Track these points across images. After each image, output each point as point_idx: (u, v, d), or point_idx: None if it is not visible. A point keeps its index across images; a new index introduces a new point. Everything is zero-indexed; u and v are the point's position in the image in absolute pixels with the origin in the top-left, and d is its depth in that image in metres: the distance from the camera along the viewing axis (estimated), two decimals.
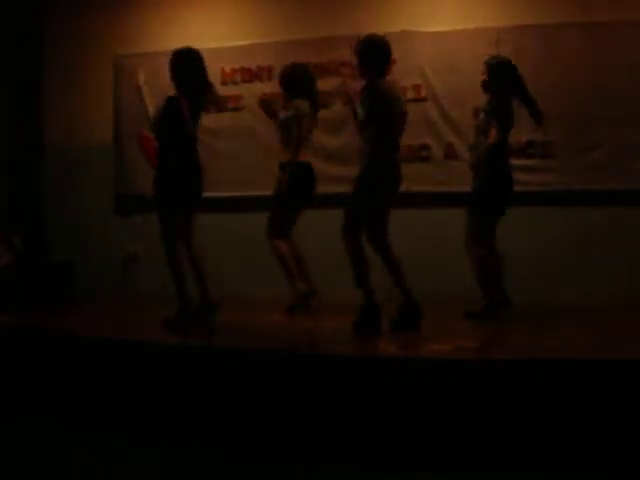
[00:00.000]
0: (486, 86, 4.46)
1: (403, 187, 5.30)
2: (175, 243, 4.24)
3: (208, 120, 5.00)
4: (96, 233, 6.22)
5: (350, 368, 3.26)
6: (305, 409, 3.25)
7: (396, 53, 5.43)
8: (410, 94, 5.49)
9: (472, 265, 4.38)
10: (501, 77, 4.39)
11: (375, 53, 3.99)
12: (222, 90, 5.61)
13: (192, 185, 4.22)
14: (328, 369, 3.29)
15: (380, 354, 3.57)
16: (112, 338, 3.90)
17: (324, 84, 5.22)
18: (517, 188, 4.87)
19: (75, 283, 5.97)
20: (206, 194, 4.27)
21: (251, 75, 5.90)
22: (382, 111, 3.85)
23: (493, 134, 4.25)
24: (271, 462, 3.12)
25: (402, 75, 5.49)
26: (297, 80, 4.80)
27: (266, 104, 5.17)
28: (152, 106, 6.03)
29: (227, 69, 5.90)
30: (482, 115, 4.46)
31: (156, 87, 6.01)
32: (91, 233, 6.22)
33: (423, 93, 5.51)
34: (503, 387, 3.09)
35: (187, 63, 4.22)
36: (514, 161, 5.16)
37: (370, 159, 3.88)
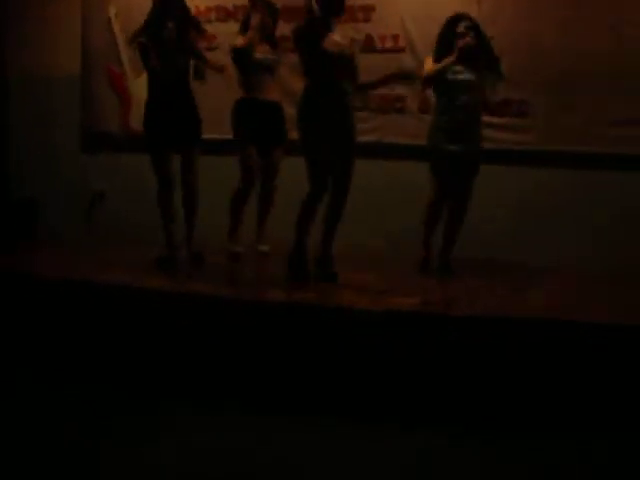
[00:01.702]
0: (475, 50, 4.38)
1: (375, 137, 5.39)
2: (164, 184, 4.34)
3: None
4: (62, 170, 6.06)
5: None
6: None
7: (376, 1, 5.43)
8: (388, 43, 5.43)
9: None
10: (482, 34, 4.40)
11: None
12: None
13: (168, 126, 4.26)
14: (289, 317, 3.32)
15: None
16: (75, 279, 3.86)
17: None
18: (491, 146, 4.92)
19: (39, 221, 5.86)
20: None
21: (227, 14, 5.73)
22: None
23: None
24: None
25: (381, 24, 5.44)
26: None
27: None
28: (122, 41, 5.88)
29: (202, 7, 5.72)
30: (468, 73, 4.40)
31: (127, 21, 5.82)
32: (57, 169, 6.06)
33: (401, 43, 5.42)
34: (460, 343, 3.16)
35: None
36: (488, 118, 5.22)
37: None
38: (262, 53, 4.63)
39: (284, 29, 4.83)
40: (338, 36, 3.95)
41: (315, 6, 3.87)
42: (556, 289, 4.24)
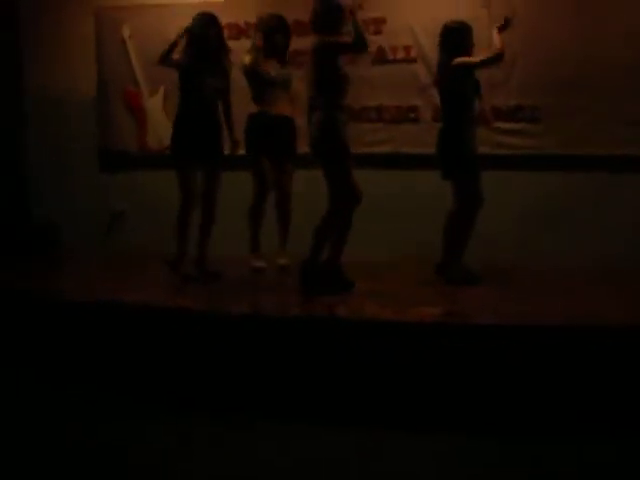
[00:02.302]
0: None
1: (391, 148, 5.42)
2: (186, 200, 4.45)
3: None
4: (80, 190, 6.12)
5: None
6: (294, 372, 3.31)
7: (387, 13, 5.47)
8: (400, 54, 5.47)
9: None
10: None
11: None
12: None
13: (193, 142, 4.42)
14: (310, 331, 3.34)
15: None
16: (94, 300, 3.90)
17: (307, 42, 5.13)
18: (504, 151, 4.93)
19: (58, 242, 5.93)
20: None
21: (239, 31, 5.79)
22: None
23: None
24: None
25: (392, 35, 5.48)
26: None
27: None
28: (137, 61, 5.96)
29: None
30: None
31: (141, 42, 5.92)
32: (75, 190, 6.13)
33: (413, 54, 5.45)
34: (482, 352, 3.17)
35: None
36: (502, 124, 5.24)
37: None
38: (272, 69, 4.75)
39: (297, 43, 4.93)
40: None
41: None
42: (566, 294, 4.22)
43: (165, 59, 4.52)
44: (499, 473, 2.79)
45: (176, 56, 4.49)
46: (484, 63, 4.35)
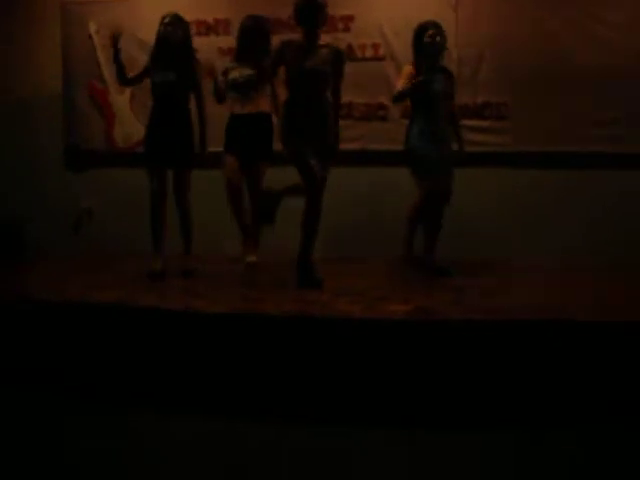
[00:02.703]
0: (442, 48, 4.56)
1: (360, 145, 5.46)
2: (155, 199, 4.46)
3: None
4: (47, 188, 6.04)
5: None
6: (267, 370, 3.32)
7: (356, 11, 5.50)
8: (368, 52, 5.50)
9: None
10: None
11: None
12: None
13: (157, 142, 4.46)
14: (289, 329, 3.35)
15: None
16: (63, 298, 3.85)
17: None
18: (472, 148, 4.99)
19: (26, 240, 5.83)
20: None
21: (207, 28, 5.77)
22: None
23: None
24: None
25: (361, 33, 5.51)
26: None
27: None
28: (104, 57, 5.90)
29: None
30: (441, 80, 4.52)
31: (107, 37, 5.82)
32: (42, 188, 6.04)
33: (381, 52, 5.49)
34: (457, 347, 3.21)
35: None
36: (469, 122, 5.30)
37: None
38: (239, 70, 4.75)
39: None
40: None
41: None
42: (540, 287, 4.30)
43: (124, 81, 4.62)
44: (473, 468, 2.83)
45: (131, 73, 4.57)
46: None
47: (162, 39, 4.52)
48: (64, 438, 3.10)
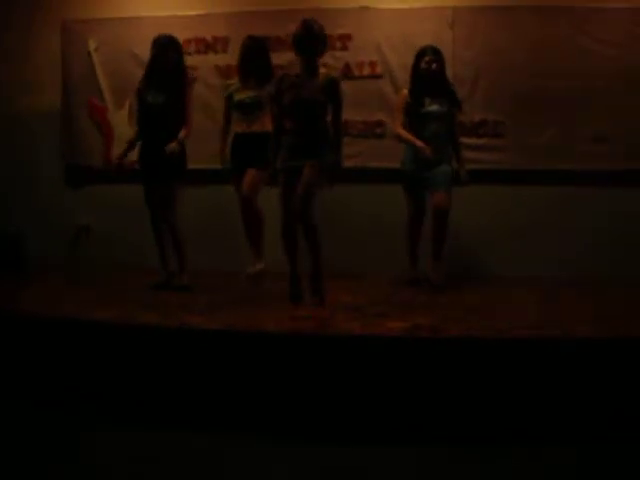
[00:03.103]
0: (439, 73, 4.71)
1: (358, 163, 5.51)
2: (152, 214, 4.72)
3: None
4: (46, 203, 6.04)
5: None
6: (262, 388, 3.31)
7: (353, 30, 5.54)
8: (366, 70, 5.53)
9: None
10: None
11: None
12: None
13: (145, 160, 4.69)
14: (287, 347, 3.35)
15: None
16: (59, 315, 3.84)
17: (280, 58, 5.18)
18: (469, 166, 5.02)
19: (23, 255, 5.83)
20: None
21: (206, 46, 5.80)
22: None
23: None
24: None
25: (358, 52, 5.55)
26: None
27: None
28: (103, 74, 5.93)
29: (181, 39, 5.74)
30: (434, 103, 4.71)
31: (107, 54, 5.90)
32: (40, 203, 6.04)
33: (379, 70, 5.52)
34: (455, 364, 3.21)
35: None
36: (466, 140, 5.33)
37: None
38: (245, 92, 4.82)
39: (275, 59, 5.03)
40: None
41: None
42: (538, 304, 4.31)
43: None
44: None
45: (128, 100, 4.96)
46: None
47: (155, 61, 4.58)
48: (57, 453, 3.08)
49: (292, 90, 4.06)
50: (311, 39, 4.00)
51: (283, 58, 5.21)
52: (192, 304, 4.20)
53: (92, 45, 5.96)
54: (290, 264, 4.21)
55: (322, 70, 4.15)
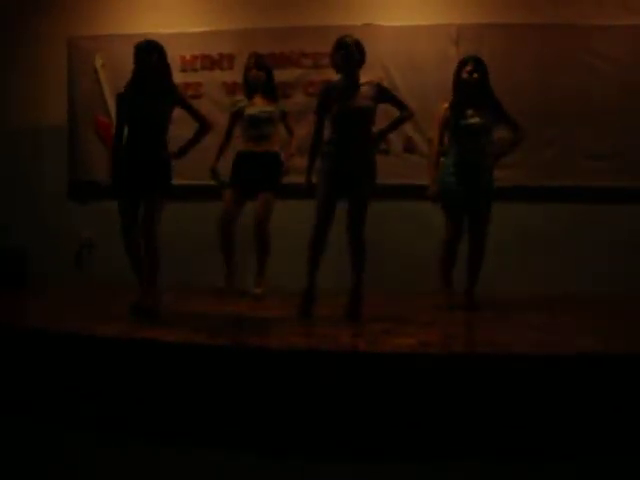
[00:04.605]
0: (481, 83, 4.50)
1: None
2: (126, 231, 4.27)
3: None
4: (50, 218, 6.07)
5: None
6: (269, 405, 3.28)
7: None
8: None
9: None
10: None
11: None
12: (181, 77, 5.59)
13: (122, 175, 4.24)
14: (290, 363, 3.32)
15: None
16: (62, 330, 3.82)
17: (285, 75, 5.22)
18: None
19: (28, 270, 5.82)
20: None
21: (212, 62, 5.84)
22: None
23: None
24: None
25: (363, 68, 5.54)
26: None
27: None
28: (109, 90, 5.96)
29: (187, 56, 5.83)
30: (477, 115, 4.50)
31: (113, 71, 5.94)
32: (45, 218, 6.08)
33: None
34: (463, 381, 3.18)
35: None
36: None
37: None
38: (257, 106, 4.83)
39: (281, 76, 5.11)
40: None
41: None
42: (544, 321, 4.29)
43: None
44: None
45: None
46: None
47: (137, 66, 4.33)
48: (57, 469, 3.05)
49: (342, 99, 4.11)
50: (348, 51, 4.10)
51: (288, 74, 5.25)
52: (195, 320, 4.18)
53: (99, 62, 6.02)
54: (310, 276, 4.16)
55: (362, 80, 4.21)
